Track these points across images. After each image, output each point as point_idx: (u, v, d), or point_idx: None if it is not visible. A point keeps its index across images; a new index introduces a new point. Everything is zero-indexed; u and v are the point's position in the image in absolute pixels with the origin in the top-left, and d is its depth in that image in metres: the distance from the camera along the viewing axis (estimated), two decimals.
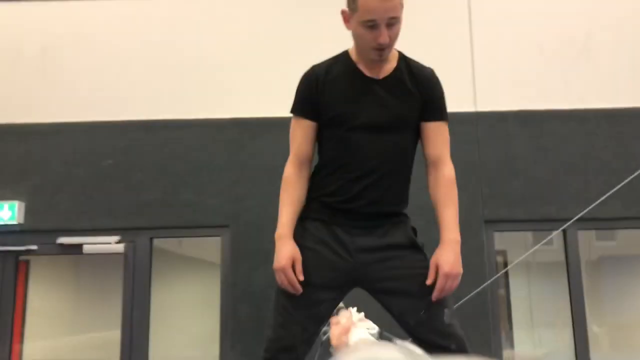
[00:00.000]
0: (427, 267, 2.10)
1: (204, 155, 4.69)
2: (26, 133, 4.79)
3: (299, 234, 2.12)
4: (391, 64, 2.14)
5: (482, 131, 4.63)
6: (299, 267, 2.04)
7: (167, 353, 5.32)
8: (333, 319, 1.70)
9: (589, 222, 4.36)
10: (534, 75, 4.71)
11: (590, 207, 3.98)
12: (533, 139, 4.63)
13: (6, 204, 4.60)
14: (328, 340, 2.24)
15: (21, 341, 4.98)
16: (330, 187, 2.13)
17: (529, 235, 5.29)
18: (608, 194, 3.96)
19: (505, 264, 5.33)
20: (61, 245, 4.64)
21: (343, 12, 2.09)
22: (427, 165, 2.18)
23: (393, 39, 2.03)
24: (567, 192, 4.50)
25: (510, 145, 4.62)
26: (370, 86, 2.12)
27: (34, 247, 4.68)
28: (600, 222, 4.55)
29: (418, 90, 2.13)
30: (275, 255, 2.06)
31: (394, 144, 2.12)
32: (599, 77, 4.69)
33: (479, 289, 3.87)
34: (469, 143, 4.53)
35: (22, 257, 4.86)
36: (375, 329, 1.45)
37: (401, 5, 2.01)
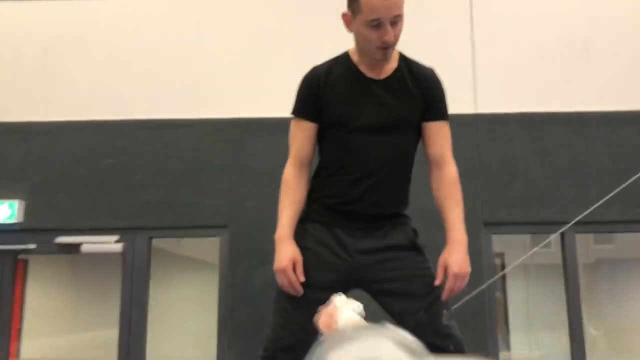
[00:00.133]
0: (427, 269, 2.11)
1: (203, 156, 4.69)
2: (26, 132, 4.79)
3: (300, 235, 2.12)
4: (392, 65, 2.14)
5: (482, 133, 4.64)
6: (299, 268, 2.04)
7: (164, 353, 5.32)
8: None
9: (587, 225, 4.36)
10: (533, 78, 4.71)
11: (588, 211, 3.98)
12: (532, 141, 4.63)
13: (5, 203, 4.60)
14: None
15: (19, 340, 4.98)
16: (330, 189, 2.13)
17: (526, 237, 5.29)
18: (607, 197, 3.95)
19: (503, 267, 5.34)
20: (60, 244, 4.63)
21: (344, 15, 2.09)
22: (430, 165, 2.18)
23: (397, 36, 2.04)
24: (566, 195, 4.50)
25: (510, 147, 4.62)
26: (371, 87, 2.12)
27: (33, 246, 4.68)
28: (599, 225, 4.55)
29: (419, 90, 2.13)
30: (276, 257, 2.06)
31: (395, 145, 2.12)
32: (599, 80, 4.70)
33: (476, 291, 3.87)
34: (468, 145, 4.53)
35: (20, 256, 4.86)
36: (360, 306, 1.45)
37: (402, 2, 2.01)
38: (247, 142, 4.68)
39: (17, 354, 4.97)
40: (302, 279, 2.03)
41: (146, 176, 4.66)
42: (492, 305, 4.47)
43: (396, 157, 2.13)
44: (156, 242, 4.81)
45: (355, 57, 2.16)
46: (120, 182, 4.66)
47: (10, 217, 4.59)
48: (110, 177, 4.67)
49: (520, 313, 5.89)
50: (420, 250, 2.14)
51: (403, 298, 2.08)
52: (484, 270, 4.35)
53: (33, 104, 4.85)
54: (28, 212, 4.62)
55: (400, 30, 2.04)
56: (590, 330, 5.25)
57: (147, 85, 4.84)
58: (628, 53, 4.74)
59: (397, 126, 2.12)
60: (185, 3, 5.04)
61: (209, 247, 4.89)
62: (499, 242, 4.75)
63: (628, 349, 6.17)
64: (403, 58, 2.18)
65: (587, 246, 6.06)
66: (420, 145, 2.22)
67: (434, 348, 1.99)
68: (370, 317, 1.47)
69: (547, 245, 4.40)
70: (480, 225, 4.45)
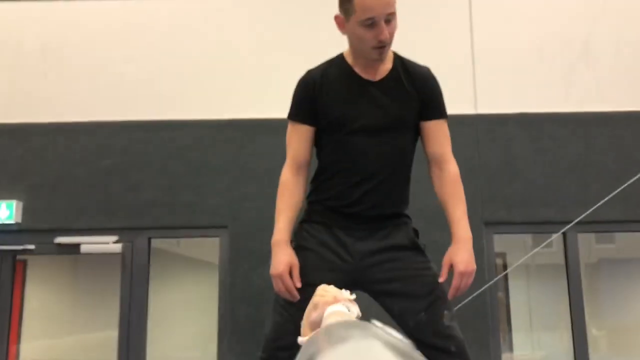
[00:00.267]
0: (428, 269, 2.11)
1: (203, 156, 4.68)
2: (25, 132, 4.77)
3: (300, 236, 2.11)
4: (387, 65, 2.13)
5: (482, 133, 4.62)
6: (296, 274, 2.03)
7: (164, 353, 5.31)
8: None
9: (588, 225, 4.35)
10: (533, 78, 4.70)
11: (590, 210, 3.97)
12: (533, 141, 4.62)
13: (4, 203, 4.59)
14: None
15: (18, 341, 4.96)
16: (330, 192, 2.13)
17: (528, 237, 5.28)
18: (608, 197, 3.95)
19: (505, 267, 5.32)
20: (59, 245, 4.62)
21: (336, 18, 2.07)
22: (430, 163, 2.17)
23: (392, 35, 2.02)
24: (567, 195, 4.49)
25: (510, 147, 4.61)
26: (367, 89, 2.11)
27: (32, 247, 4.66)
28: (600, 225, 4.54)
29: (415, 89, 2.12)
30: (272, 262, 2.05)
31: (393, 145, 2.11)
32: (599, 80, 4.69)
33: (478, 292, 3.86)
34: (468, 145, 4.52)
35: (19, 257, 4.85)
36: (356, 308, 1.43)
37: (395, 0, 2.00)
38: (247, 142, 4.67)
39: (17, 356, 4.95)
40: (299, 284, 2.02)
41: (145, 176, 4.65)
42: (494, 306, 4.46)
43: (395, 157, 2.12)
44: (156, 243, 4.80)
45: (350, 59, 2.14)
46: (120, 182, 4.65)
47: (8, 217, 4.58)
48: (110, 177, 4.66)
49: (522, 313, 5.87)
50: (421, 250, 2.13)
51: (403, 298, 2.07)
52: (485, 270, 4.34)
53: (32, 104, 4.84)
54: (27, 212, 4.61)
55: (394, 29, 2.02)
56: (592, 331, 5.23)
57: (147, 85, 4.83)
58: (628, 53, 4.73)
59: (394, 127, 2.10)
60: (185, 4, 5.02)
61: (208, 248, 4.88)
62: (501, 242, 4.74)
63: (630, 349, 6.15)
64: (398, 58, 2.17)
65: (588, 246, 6.05)
66: (419, 144, 2.21)
67: (435, 349, 1.99)
68: (369, 316, 1.46)
69: (549, 245, 4.40)
70: (482, 225, 4.44)
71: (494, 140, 4.63)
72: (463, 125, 4.50)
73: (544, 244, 4.13)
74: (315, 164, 2.21)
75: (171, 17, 4.98)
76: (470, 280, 2.05)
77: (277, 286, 2.03)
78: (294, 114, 2.15)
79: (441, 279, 2.05)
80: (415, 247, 2.12)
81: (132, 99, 4.82)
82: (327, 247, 2.09)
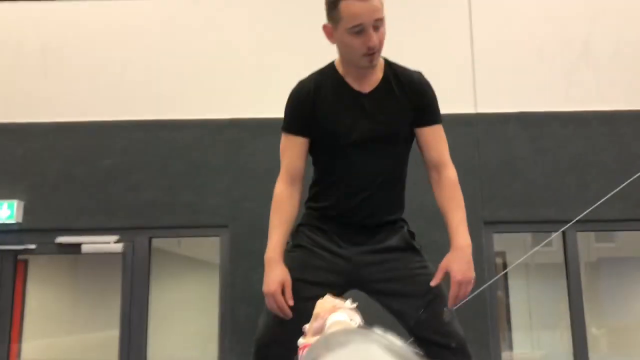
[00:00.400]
0: (425, 267, 2.11)
1: (204, 156, 4.69)
2: (26, 132, 4.78)
3: (297, 237, 2.12)
4: (377, 74, 2.10)
5: (482, 133, 4.63)
6: (288, 292, 2.01)
7: (165, 353, 5.32)
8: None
9: (588, 223, 4.36)
10: (534, 77, 4.71)
11: (589, 209, 3.98)
12: (533, 140, 4.63)
13: (5, 203, 4.60)
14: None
15: (20, 340, 4.97)
16: (326, 202, 2.13)
17: (528, 236, 5.29)
18: (608, 195, 3.96)
19: (505, 266, 5.33)
20: (60, 244, 4.63)
21: (325, 27, 2.04)
22: (428, 169, 2.16)
23: (381, 41, 1.99)
24: (567, 194, 4.50)
25: (510, 146, 4.62)
26: (360, 101, 2.08)
27: (33, 247, 4.67)
28: (600, 224, 4.55)
29: (408, 98, 2.09)
30: (265, 279, 2.03)
31: (388, 156, 2.11)
32: (599, 80, 4.69)
33: (477, 291, 3.87)
34: (468, 144, 4.53)
35: (20, 257, 4.85)
36: (358, 317, 1.44)
37: (382, 5, 1.97)
38: (247, 142, 4.68)
39: (18, 355, 4.96)
40: (291, 302, 2.01)
41: (146, 176, 4.66)
42: (493, 305, 4.47)
43: (389, 167, 2.12)
44: (156, 242, 4.81)
45: (341, 69, 2.11)
46: (120, 182, 4.65)
47: (9, 217, 4.58)
48: (110, 177, 4.67)
49: (522, 312, 5.87)
50: (417, 251, 2.14)
51: (402, 298, 2.08)
52: (485, 269, 4.34)
53: (32, 104, 4.84)
54: (28, 212, 4.62)
55: (383, 35, 1.99)
56: (592, 330, 5.24)
57: (147, 86, 4.83)
58: (628, 53, 4.73)
59: (388, 138, 2.09)
60: (185, 4, 5.03)
61: (209, 247, 4.88)
62: (500, 241, 4.74)
63: (630, 348, 6.16)
64: (389, 65, 2.13)
65: (588, 245, 6.05)
66: (415, 145, 2.21)
67: (436, 345, 2.00)
68: (369, 316, 1.47)
69: (548, 244, 4.41)
70: (481, 224, 4.44)
71: (494, 140, 4.63)
72: (463, 125, 4.51)
73: (544, 242, 4.14)
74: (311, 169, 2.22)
75: (171, 17, 4.98)
76: (469, 288, 2.03)
77: (270, 304, 2.02)
78: (288, 125, 2.13)
79: (433, 282, 2.03)
80: (411, 248, 2.13)
81: (132, 99, 4.82)
82: (323, 248, 2.10)
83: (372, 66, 2.04)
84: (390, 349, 0.72)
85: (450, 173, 2.12)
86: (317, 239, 2.12)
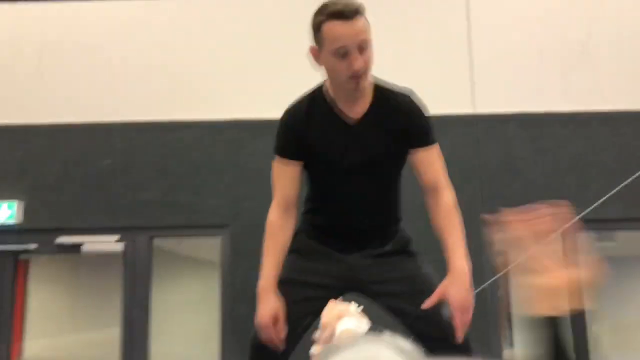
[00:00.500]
0: (420, 268, 2.12)
1: (204, 156, 4.69)
2: (25, 133, 4.78)
3: (295, 242, 2.13)
4: (367, 99, 2.06)
5: (482, 133, 4.63)
6: (280, 323, 2.01)
7: (166, 352, 5.32)
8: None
9: (588, 223, 4.36)
10: (533, 78, 4.70)
11: (589, 209, 3.98)
12: (533, 140, 4.63)
13: (5, 204, 4.60)
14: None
15: (21, 340, 4.97)
16: (320, 219, 2.15)
17: None
18: (608, 195, 3.96)
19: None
20: (60, 244, 4.64)
21: (311, 49, 2.04)
22: (425, 192, 2.12)
23: (367, 63, 1.95)
24: (567, 194, 4.48)
25: (510, 147, 4.62)
26: (351, 129, 2.06)
27: (33, 247, 4.68)
28: (600, 223, 4.54)
29: (398, 123, 2.06)
30: (258, 310, 2.04)
31: (380, 179, 2.11)
32: (598, 80, 4.69)
33: (478, 289, 3.87)
34: (468, 145, 4.52)
35: (21, 257, 4.85)
36: (365, 322, 1.45)
37: (368, 28, 1.93)
38: (246, 142, 4.68)
39: (20, 355, 4.96)
40: (283, 335, 2.01)
41: (146, 176, 4.66)
42: (494, 303, 4.47)
43: (381, 189, 2.12)
44: (157, 242, 4.82)
45: (330, 94, 2.08)
46: (120, 182, 4.66)
47: (10, 217, 4.59)
48: (110, 177, 4.67)
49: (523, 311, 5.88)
50: (413, 254, 2.16)
51: (399, 297, 2.09)
52: (485, 269, 4.34)
53: (32, 105, 4.84)
54: (28, 212, 4.62)
55: (370, 57, 1.95)
56: (593, 329, 5.24)
57: (146, 86, 4.83)
58: (628, 53, 4.73)
59: (380, 163, 2.08)
60: (183, 4, 5.03)
61: (209, 247, 4.89)
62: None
63: (631, 347, 6.16)
64: (378, 89, 2.09)
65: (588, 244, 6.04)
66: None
67: (437, 340, 1.99)
68: (370, 316, 1.47)
69: None
70: (481, 225, 4.44)
71: (494, 140, 4.63)
72: (463, 125, 4.51)
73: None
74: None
75: (171, 17, 4.98)
76: (470, 314, 1.96)
77: (262, 335, 2.03)
78: (282, 150, 2.12)
79: (426, 305, 1.96)
80: (406, 252, 2.14)
81: (131, 99, 4.82)
82: (320, 253, 2.12)
83: (358, 89, 2.00)
84: (399, 349, 0.73)
85: (447, 196, 2.07)
86: (313, 245, 2.14)
